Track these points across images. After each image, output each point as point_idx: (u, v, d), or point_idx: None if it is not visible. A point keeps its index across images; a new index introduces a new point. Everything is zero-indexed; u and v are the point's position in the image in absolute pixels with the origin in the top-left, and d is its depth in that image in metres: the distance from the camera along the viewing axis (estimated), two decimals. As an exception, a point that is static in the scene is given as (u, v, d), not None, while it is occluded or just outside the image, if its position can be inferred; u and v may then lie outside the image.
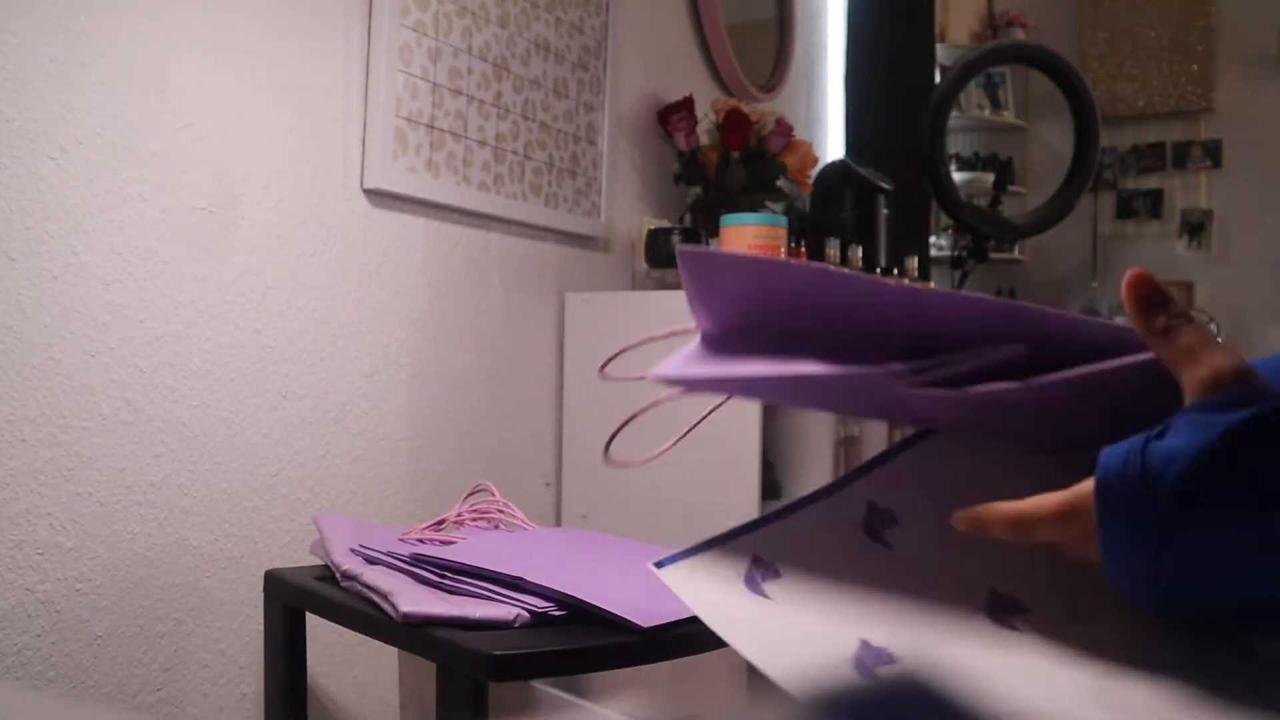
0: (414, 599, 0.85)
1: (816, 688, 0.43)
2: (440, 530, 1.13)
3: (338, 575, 0.98)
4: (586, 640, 0.80)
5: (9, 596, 1.02)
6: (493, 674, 0.76)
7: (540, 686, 0.81)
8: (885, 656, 0.45)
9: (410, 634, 0.84)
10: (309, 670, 1.23)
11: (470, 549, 0.98)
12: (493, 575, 0.89)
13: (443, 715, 0.82)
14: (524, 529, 1.13)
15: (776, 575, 0.49)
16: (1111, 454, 0.42)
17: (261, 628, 1.26)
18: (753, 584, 0.49)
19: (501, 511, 1.16)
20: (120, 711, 1.11)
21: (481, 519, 1.16)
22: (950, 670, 0.46)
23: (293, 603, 1.06)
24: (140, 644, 1.15)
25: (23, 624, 1.03)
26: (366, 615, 0.90)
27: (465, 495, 1.20)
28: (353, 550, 1.01)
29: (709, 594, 0.48)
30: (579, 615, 0.83)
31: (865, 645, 0.45)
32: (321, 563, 1.07)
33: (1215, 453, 0.39)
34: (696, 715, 0.91)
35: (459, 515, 1.16)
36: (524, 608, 0.84)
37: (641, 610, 0.81)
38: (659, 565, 0.50)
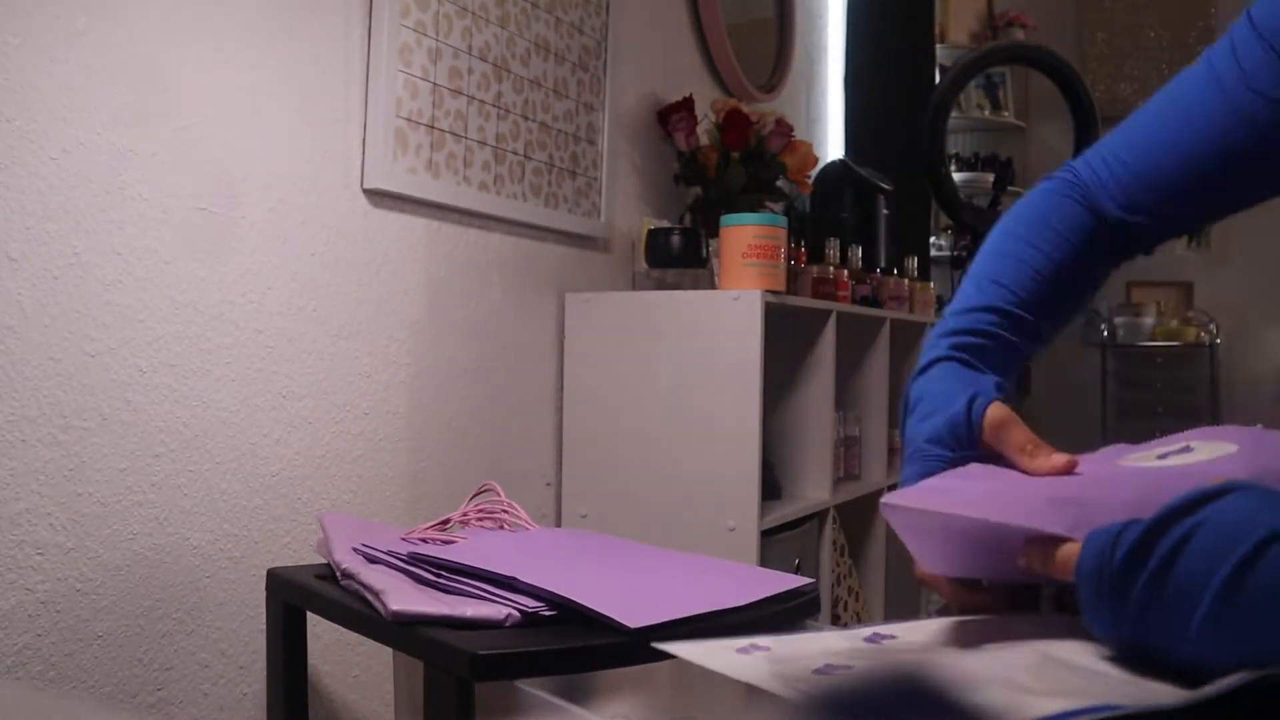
0: (405, 598, 0.85)
1: (787, 686, 0.47)
2: (445, 530, 1.13)
3: (338, 574, 0.99)
4: (574, 640, 0.80)
5: (9, 596, 1.03)
6: (477, 673, 0.76)
7: (532, 690, 0.81)
8: (843, 665, 0.51)
9: (400, 632, 0.84)
10: (312, 669, 1.24)
11: (467, 549, 0.98)
12: (486, 575, 0.89)
13: (431, 714, 0.82)
14: (527, 529, 1.14)
15: (768, 650, 0.56)
16: (1094, 539, 0.48)
17: (262, 627, 1.27)
18: (745, 651, 0.55)
19: (506, 512, 1.16)
20: (120, 711, 1.11)
21: (487, 519, 1.16)
22: (914, 660, 0.51)
23: (293, 601, 1.06)
24: (140, 644, 1.15)
25: (23, 624, 1.04)
26: (361, 614, 0.90)
27: (471, 495, 1.20)
28: (354, 549, 1.02)
29: (704, 649, 0.55)
30: (571, 615, 0.84)
31: (828, 664, 0.51)
32: (325, 561, 1.07)
33: (1131, 552, 0.46)
34: (691, 718, 0.91)
35: (464, 515, 1.17)
36: (515, 607, 0.84)
37: (631, 610, 0.81)
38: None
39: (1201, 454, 0.63)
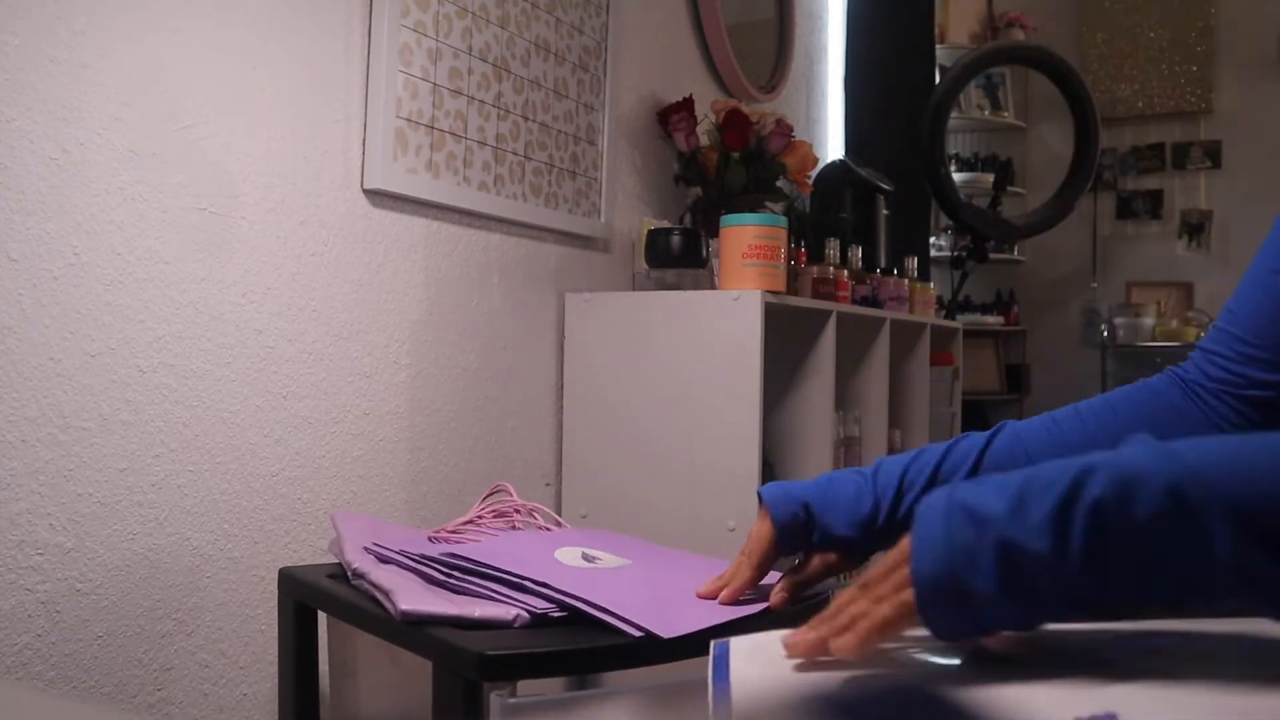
0: (414, 597, 0.85)
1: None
2: (458, 531, 1.13)
3: (349, 573, 0.99)
4: (582, 641, 0.80)
5: (9, 596, 1.03)
6: (484, 673, 0.76)
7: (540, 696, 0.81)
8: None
9: (408, 632, 0.84)
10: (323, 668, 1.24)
11: (479, 549, 0.98)
12: (496, 575, 0.89)
13: (438, 715, 0.82)
14: (541, 530, 1.13)
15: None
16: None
17: (263, 628, 1.27)
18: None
19: (518, 512, 1.16)
20: (120, 712, 1.11)
21: (499, 519, 1.17)
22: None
23: (305, 600, 1.06)
24: (140, 644, 1.15)
25: (23, 624, 1.04)
26: (371, 614, 0.90)
27: (484, 496, 1.20)
28: (365, 549, 1.02)
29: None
30: (581, 617, 0.83)
31: None
32: (336, 561, 1.07)
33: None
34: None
35: (479, 515, 1.17)
36: (524, 608, 0.84)
37: (640, 613, 0.81)
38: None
39: (605, 563, 0.82)
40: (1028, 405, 4.48)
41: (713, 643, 0.57)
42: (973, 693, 0.46)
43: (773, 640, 0.56)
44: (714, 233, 1.78)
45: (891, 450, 2.24)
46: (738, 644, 0.57)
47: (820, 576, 0.83)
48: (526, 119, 1.69)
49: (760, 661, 0.54)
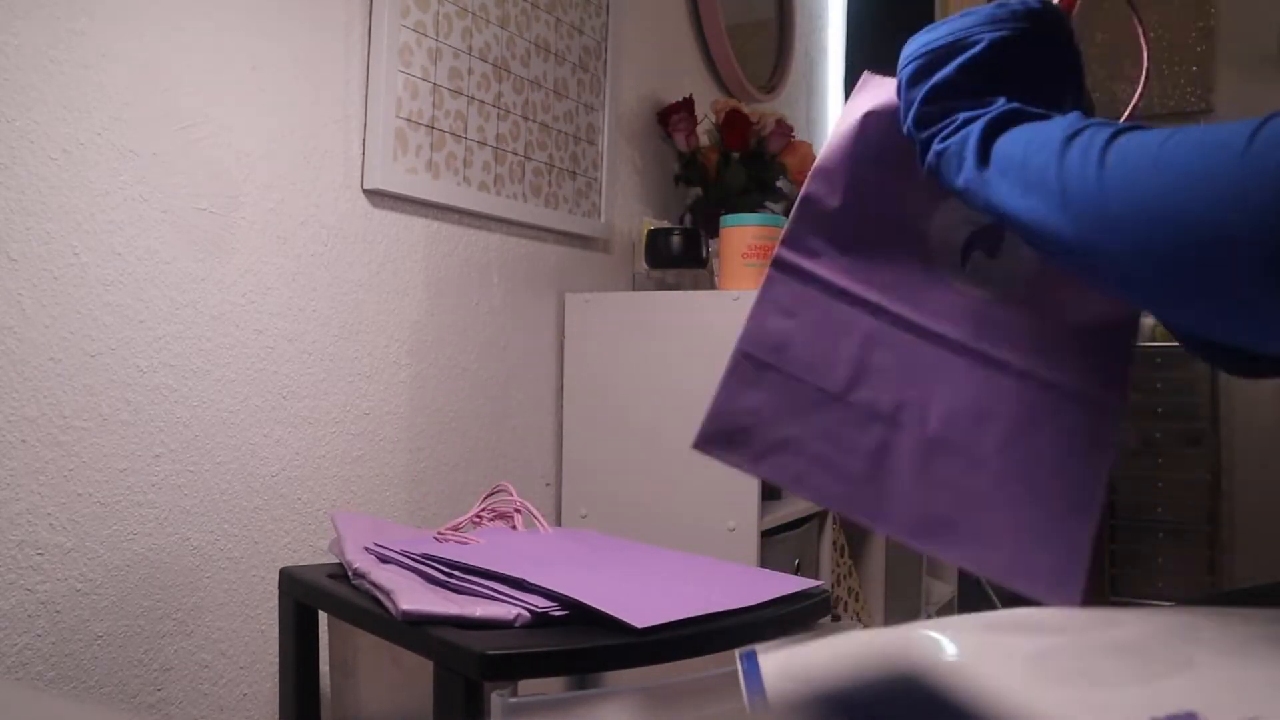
0: (415, 597, 0.86)
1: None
2: (459, 530, 1.14)
3: (349, 573, 0.99)
4: (582, 640, 0.80)
5: (9, 596, 1.03)
6: (485, 673, 0.76)
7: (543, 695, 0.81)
8: None
9: (409, 632, 0.84)
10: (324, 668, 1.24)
11: (478, 549, 0.99)
12: (497, 575, 0.89)
13: (439, 715, 0.82)
14: (541, 530, 1.14)
15: None
16: None
17: (263, 628, 1.27)
18: None
19: (519, 511, 1.17)
20: (120, 712, 1.11)
21: (499, 519, 1.17)
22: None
23: (306, 600, 1.06)
24: (140, 644, 1.15)
25: (23, 624, 1.04)
26: (372, 613, 0.90)
27: (483, 496, 1.20)
28: (366, 549, 1.02)
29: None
30: (582, 616, 0.84)
31: None
32: (337, 560, 1.08)
33: None
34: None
35: (478, 515, 1.17)
36: (525, 607, 0.84)
37: (638, 611, 0.81)
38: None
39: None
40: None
41: (738, 654, 0.56)
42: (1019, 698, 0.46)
43: (801, 653, 0.56)
44: (714, 233, 1.78)
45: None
46: (765, 658, 0.56)
47: None
48: (526, 119, 1.69)
49: (792, 674, 0.54)
